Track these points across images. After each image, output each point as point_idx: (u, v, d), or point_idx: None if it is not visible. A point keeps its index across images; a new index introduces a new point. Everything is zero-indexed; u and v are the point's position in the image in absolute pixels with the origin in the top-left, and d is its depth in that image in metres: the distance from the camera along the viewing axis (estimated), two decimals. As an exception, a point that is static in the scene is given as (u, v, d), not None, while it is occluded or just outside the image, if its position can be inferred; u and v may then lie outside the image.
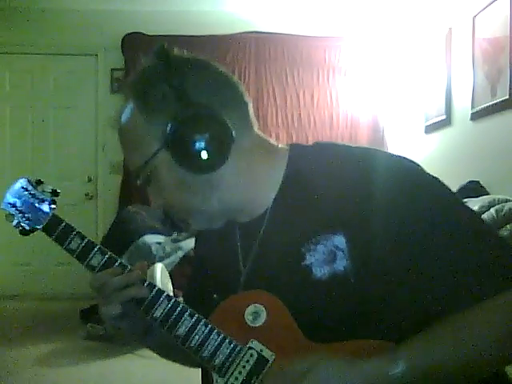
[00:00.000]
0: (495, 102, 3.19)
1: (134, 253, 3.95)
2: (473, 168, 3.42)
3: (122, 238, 4.07)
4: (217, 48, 4.89)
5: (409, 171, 0.86)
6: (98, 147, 5.13)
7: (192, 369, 1.08)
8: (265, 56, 5.01)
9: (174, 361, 1.11)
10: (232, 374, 0.86)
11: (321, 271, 0.84)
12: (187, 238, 4.14)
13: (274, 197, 0.92)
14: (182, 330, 0.89)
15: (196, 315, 0.90)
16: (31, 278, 5.03)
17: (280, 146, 0.96)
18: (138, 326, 0.98)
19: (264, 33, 4.90)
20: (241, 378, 0.86)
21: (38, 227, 1.07)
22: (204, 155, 0.84)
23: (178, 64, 0.90)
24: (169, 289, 3.27)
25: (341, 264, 0.83)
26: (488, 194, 3.13)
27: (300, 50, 5.01)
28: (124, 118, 0.91)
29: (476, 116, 3.45)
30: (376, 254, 0.81)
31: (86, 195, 5.11)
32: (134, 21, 4.96)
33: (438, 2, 4.08)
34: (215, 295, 0.94)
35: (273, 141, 0.96)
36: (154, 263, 3.62)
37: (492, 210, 2.69)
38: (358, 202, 0.83)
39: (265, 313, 0.86)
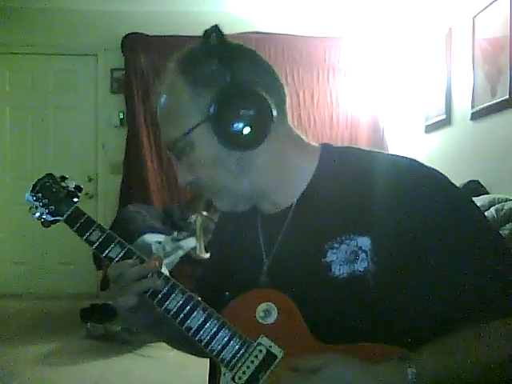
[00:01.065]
0: (495, 101, 3.19)
1: (134, 252, 3.95)
2: (473, 168, 3.43)
3: (122, 237, 4.05)
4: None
5: (439, 184, 0.88)
6: (97, 147, 5.14)
7: (192, 369, 1.08)
8: (265, 56, 5.00)
9: (183, 351, 1.12)
10: (240, 367, 0.87)
11: (340, 270, 0.85)
12: (187, 237, 4.14)
13: (302, 191, 0.94)
14: (193, 323, 0.90)
15: (208, 309, 0.91)
16: (31, 277, 5.04)
17: (311, 143, 0.98)
18: (150, 317, 0.98)
19: (264, 33, 4.90)
20: (248, 373, 0.87)
21: (61, 218, 1.07)
22: (246, 131, 0.86)
23: (229, 43, 0.91)
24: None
25: (362, 265, 0.84)
26: (488, 193, 3.13)
27: (300, 50, 5.01)
28: (168, 89, 0.94)
29: (476, 116, 3.45)
30: (399, 261, 0.82)
31: (86, 195, 5.11)
32: (133, 21, 4.96)
33: (438, 2, 4.08)
34: (227, 292, 0.95)
35: (304, 136, 0.98)
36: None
37: (492, 210, 2.69)
38: (388, 209, 0.85)
39: (276, 311, 0.88)
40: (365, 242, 0.84)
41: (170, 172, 5.04)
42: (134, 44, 4.97)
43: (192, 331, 0.90)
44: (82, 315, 4.12)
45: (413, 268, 0.82)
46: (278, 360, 0.85)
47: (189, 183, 0.95)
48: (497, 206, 2.72)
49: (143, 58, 4.98)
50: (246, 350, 0.88)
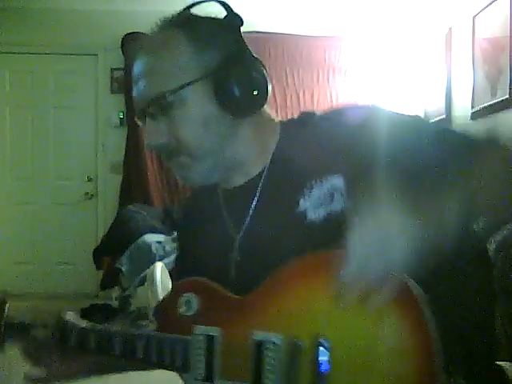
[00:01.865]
0: (495, 101, 3.19)
1: (134, 252, 3.96)
2: (473, 168, 3.42)
3: (122, 237, 4.08)
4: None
5: (406, 123, 0.90)
6: (97, 147, 5.14)
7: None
8: (265, 56, 5.00)
9: None
10: (194, 366, 0.87)
11: (315, 213, 0.85)
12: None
13: (269, 159, 0.94)
14: (139, 353, 0.91)
15: (149, 335, 0.91)
16: (32, 277, 5.03)
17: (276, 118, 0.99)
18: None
19: (264, 33, 4.89)
20: (202, 365, 0.86)
21: None
22: (247, 96, 0.87)
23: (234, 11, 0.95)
24: (169, 288, 3.27)
25: (338, 205, 0.84)
26: (488, 193, 3.13)
27: (300, 50, 5.01)
28: (161, 43, 0.92)
29: (476, 115, 3.45)
30: (372, 196, 0.81)
31: (85, 195, 5.12)
32: (134, 21, 4.94)
33: (438, 2, 4.08)
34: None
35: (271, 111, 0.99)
36: (154, 262, 3.63)
37: (492, 210, 2.69)
38: (357, 148, 0.85)
39: (195, 298, 0.88)
40: (339, 181, 0.85)
41: (170, 172, 5.02)
42: (134, 44, 4.97)
43: (143, 360, 0.91)
44: (82, 315, 4.10)
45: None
46: (216, 338, 0.85)
47: (161, 145, 0.91)
48: (497, 205, 2.72)
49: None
50: (189, 348, 0.87)
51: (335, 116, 0.93)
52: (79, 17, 4.96)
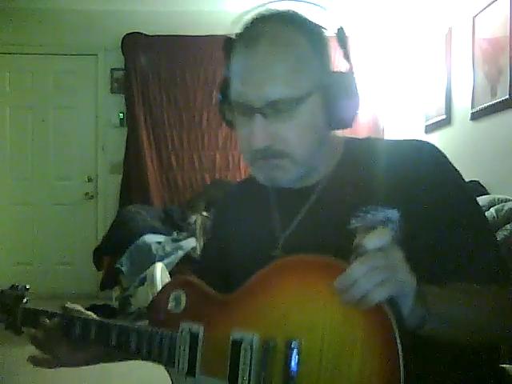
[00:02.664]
0: (495, 101, 3.19)
1: (134, 252, 3.96)
2: (473, 168, 3.42)
3: (122, 237, 4.08)
4: (217, 48, 4.88)
5: (447, 163, 0.94)
6: (97, 147, 5.14)
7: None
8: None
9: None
10: (179, 360, 0.91)
11: None
12: (187, 237, 4.14)
13: (329, 171, 0.97)
14: (132, 345, 0.98)
15: (137, 328, 0.98)
16: (32, 277, 5.02)
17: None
18: (94, 353, 1.12)
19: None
20: (185, 361, 0.90)
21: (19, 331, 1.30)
22: (354, 111, 0.93)
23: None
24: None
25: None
26: (488, 193, 3.13)
27: (300, 50, 5.01)
28: (283, 41, 0.88)
29: (476, 116, 3.45)
30: (418, 234, 0.86)
31: (85, 195, 5.12)
32: (133, 21, 4.96)
33: (438, 2, 4.08)
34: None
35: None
36: (154, 263, 3.62)
37: (492, 210, 2.69)
38: (411, 186, 0.89)
39: (184, 295, 0.94)
40: (394, 213, 0.87)
41: (170, 172, 5.04)
42: (134, 44, 4.97)
43: (135, 354, 0.98)
44: (82, 315, 4.12)
45: (424, 239, 0.86)
46: (200, 337, 0.89)
47: (266, 146, 0.89)
48: (497, 206, 2.72)
49: (143, 58, 4.98)
50: (175, 343, 0.92)
51: (400, 149, 0.96)
52: (79, 17, 4.96)
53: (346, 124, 0.93)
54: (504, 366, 0.95)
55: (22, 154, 5.14)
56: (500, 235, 2.41)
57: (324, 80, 0.90)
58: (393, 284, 0.69)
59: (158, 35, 4.92)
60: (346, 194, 0.93)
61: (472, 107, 3.48)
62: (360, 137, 1.04)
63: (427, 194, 0.88)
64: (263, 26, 0.90)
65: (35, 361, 1.14)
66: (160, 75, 5.02)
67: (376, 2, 4.76)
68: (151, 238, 4.03)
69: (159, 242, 4.00)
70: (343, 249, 0.84)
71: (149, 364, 1.04)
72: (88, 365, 1.11)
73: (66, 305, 1.14)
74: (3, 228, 5.07)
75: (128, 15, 4.96)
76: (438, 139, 4.10)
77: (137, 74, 4.99)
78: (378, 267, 0.69)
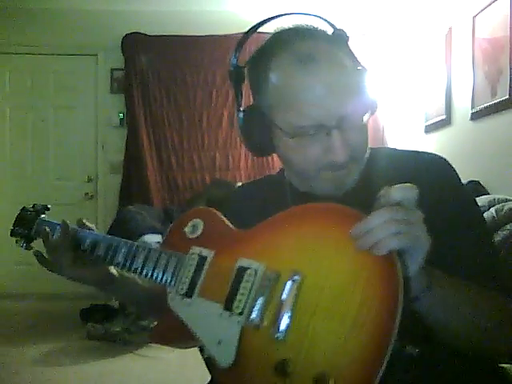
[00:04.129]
0: (495, 101, 3.19)
1: (134, 253, 3.96)
2: (473, 168, 3.42)
3: (122, 237, 4.07)
4: (217, 48, 4.89)
5: (458, 178, 0.98)
6: (97, 147, 5.14)
7: (192, 369, 1.09)
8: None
9: (143, 311, 1.22)
10: (180, 280, 0.94)
11: None
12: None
13: (358, 177, 0.98)
14: (138, 262, 1.03)
15: (144, 245, 1.04)
16: (32, 277, 5.02)
17: None
18: (97, 273, 1.12)
19: (264, 33, 4.87)
20: (187, 281, 0.93)
21: (32, 241, 1.33)
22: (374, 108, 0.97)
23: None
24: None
25: None
26: (488, 193, 3.13)
27: (300, 50, 5.00)
28: (339, 65, 0.92)
29: (476, 116, 3.45)
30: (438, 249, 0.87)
31: (85, 195, 5.12)
32: (134, 21, 4.96)
33: (438, 2, 4.08)
34: None
35: None
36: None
37: (492, 210, 2.69)
38: (431, 202, 0.88)
39: (202, 224, 0.98)
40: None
41: (170, 172, 5.04)
42: (133, 44, 4.97)
43: (137, 269, 1.02)
44: (82, 316, 4.12)
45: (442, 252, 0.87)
46: (208, 260, 0.92)
47: (348, 156, 0.92)
48: (497, 206, 2.72)
49: (143, 57, 4.98)
50: (181, 264, 0.95)
51: (421, 163, 0.99)
52: (79, 17, 4.96)
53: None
54: (504, 365, 0.95)
55: (21, 154, 5.14)
56: (500, 235, 2.41)
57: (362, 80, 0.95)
58: (407, 237, 0.71)
59: (158, 35, 4.92)
60: (366, 203, 0.94)
61: (472, 107, 3.48)
62: (381, 147, 1.09)
63: (445, 210, 0.91)
64: (314, 43, 0.93)
65: (40, 258, 1.15)
66: (160, 75, 5.02)
67: (376, 2, 4.76)
68: (151, 238, 4.03)
69: (159, 242, 3.99)
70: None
71: (148, 364, 1.03)
72: (87, 283, 1.12)
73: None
74: (3, 228, 5.05)
75: (128, 15, 4.96)
76: (437, 139, 4.10)
77: (137, 74, 4.99)
78: (397, 219, 0.71)
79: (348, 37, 0.98)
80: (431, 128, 4.18)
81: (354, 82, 0.92)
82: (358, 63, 0.96)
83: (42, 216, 1.29)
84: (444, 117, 3.91)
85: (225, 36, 4.80)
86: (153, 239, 4.03)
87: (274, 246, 0.85)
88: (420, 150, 1.06)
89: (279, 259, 0.83)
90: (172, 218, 4.49)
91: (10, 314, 4.42)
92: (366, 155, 0.98)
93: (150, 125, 4.99)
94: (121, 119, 5.09)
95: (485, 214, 2.66)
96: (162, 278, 0.97)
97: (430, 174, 0.95)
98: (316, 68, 0.89)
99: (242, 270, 0.85)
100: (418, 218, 0.73)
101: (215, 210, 0.98)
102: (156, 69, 4.99)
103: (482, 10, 3.36)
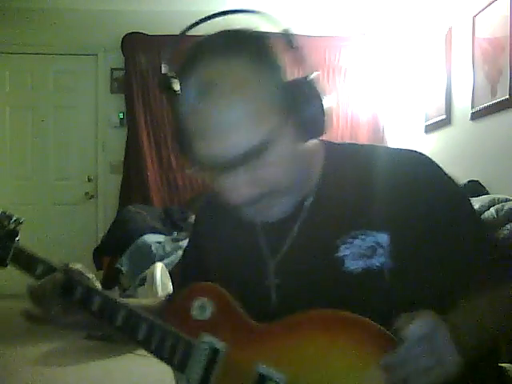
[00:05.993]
0: (495, 101, 3.19)
1: (134, 252, 3.96)
2: (473, 168, 3.42)
3: (122, 237, 4.08)
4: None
5: (441, 174, 0.91)
6: (97, 147, 5.14)
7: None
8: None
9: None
10: (191, 370, 0.88)
11: (354, 264, 0.84)
12: (187, 237, 4.14)
13: (316, 182, 0.91)
14: (140, 335, 0.92)
15: (149, 320, 0.92)
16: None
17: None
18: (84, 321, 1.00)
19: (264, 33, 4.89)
20: (199, 373, 0.87)
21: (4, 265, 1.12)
22: (320, 117, 0.83)
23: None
24: (169, 288, 3.28)
25: (378, 260, 0.84)
26: (488, 193, 3.13)
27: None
28: (234, 89, 0.79)
29: (476, 116, 3.45)
30: (414, 255, 0.84)
31: (85, 195, 5.12)
32: (133, 21, 4.96)
33: (438, 2, 4.07)
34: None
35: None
36: (154, 263, 3.62)
37: (492, 210, 2.69)
38: (400, 205, 0.85)
39: (210, 305, 0.89)
40: (383, 238, 0.84)
41: (170, 172, 5.04)
42: (134, 44, 4.98)
43: (140, 343, 0.93)
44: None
45: (424, 261, 0.84)
46: (221, 354, 0.86)
47: (257, 194, 0.82)
48: (497, 206, 2.72)
49: (143, 57, 4.98)
50: (191, 352, 0.88)
51: (392, 161, 0.91)
52: (79, 17, 4.96)
53: (317, 133, 0.85)
54: (504, 365, 0.95)
55: (21, 154, 5.14)
56: (500, 235, 2.41)
57: (281, 99, 0.81)
58: (436, 372, 0.69)
59: (158, 35, 4.92)
60: (331, 214, 0.89)
61: (472, 107, 3.48)
62: (339, 142, 0.97)
63: (424, 208, 0.85)
64: (203, 71, 0.84)
65: (28, 315, 1.01)
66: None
67: (376, 2, 4.76)
68: (151, 238, 4.03)
69: (159, 242, 4.00)
70: (334, 280, 0.85)
71: (148, 364, 1.02)
72: (81, 330, 1.02)
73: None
74: (3, 228, 5.07)
75: (128, 15, 4.96)
76: (437, 139, 4.10)
77: (137, 74, 4.99)
78: (423, 355, 0.69)
79: (291, 35, 0.93)
80: (431, 128, 4.17)
81: (255, 111, 0.78)
82: (268, 71, 0.85)
83: (17, 238, 1.11)
84: (444, 117, 3.91)
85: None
86: (153, 239, 4.03)
87: (293, 353, 0.81)
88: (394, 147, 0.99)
89: (298, 371, 0.79)
90: (172, 217, 4.49)
91: (10, 314, 4.42)
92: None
93: (150, 125, 4.99)
94: (121, 119, 5.09)
95: (485, 214, 2.67)
96: (168, 361, 0.90)
97: (408, 174, 0.88)
98: (205, 102, 0.79)
99: (263, 379, 0.81)
100: (444, 342, 0.71)
101: (223, 290, 0.89)
102: (156, 69, 4.99)
103: (481, 10, 3.36)
